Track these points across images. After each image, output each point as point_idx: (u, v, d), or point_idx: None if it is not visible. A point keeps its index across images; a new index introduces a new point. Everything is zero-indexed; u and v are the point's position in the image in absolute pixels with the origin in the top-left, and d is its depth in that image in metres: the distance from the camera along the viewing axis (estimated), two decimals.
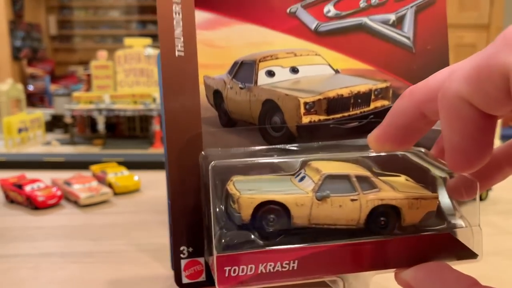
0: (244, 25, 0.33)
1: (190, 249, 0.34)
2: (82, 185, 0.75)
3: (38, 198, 0.70)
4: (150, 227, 0.64)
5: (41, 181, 0.75)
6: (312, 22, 0.33)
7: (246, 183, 0.31)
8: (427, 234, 0.30)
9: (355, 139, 0.32)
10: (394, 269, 0.30)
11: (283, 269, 0.28)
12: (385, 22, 0.34)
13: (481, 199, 0.75)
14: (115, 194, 0.78)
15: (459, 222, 0.31)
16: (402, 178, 0.33)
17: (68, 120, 1.23)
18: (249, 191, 0.30)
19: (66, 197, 0.75)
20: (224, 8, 0.33)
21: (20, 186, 0.73)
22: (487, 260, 0.55)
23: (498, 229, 0.63)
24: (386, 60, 0.34)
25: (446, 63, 0.35)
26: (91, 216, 0.69)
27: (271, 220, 0.30)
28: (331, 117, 0.35)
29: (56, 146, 1.21)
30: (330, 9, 0.33)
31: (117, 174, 0.81)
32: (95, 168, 0.85)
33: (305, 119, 0.34)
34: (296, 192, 0.30)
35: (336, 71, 0.35)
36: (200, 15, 0.33)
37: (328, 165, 0.31)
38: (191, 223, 0.32)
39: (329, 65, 0.35)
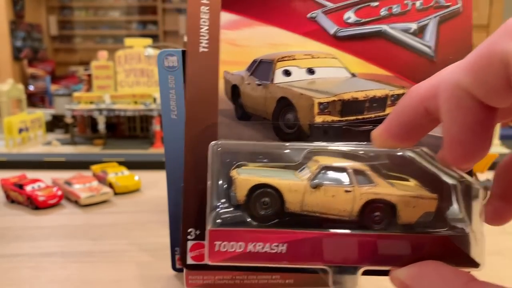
0: (265, 27, 0.35)
1: (198, 232, 0.35)
2: (82, 185, 0.76)
3: (39, 198, 0.71)
4: (151, 227, 0.64)
5: (42, 181, 0.75)
6: (331, 27, 0.34)
7: (249, 169, 0.32)
8: (423, 235, 0.30)
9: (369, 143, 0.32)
10: (384, 267, 0.30)
11: (272, 251, 0.29)
12: (406, 30, 0.34)
13: None
14: (116, 194, 0.78)
15: (461, 227, 0.31)
16: (411, 183, 0.32)
17: (68, 120, 1.23)
18: (247, 174, 0.31)
19: (67, 197, 0.75)
20: (247, 11, 0.35)
21: (20, 186, 0.73)
22: (487, 260, 0.55)
23: (497, 228, 0.63)
24: (405, 67, 0.35)
25: None
26: (91, 216, 0.69)
27: (265, 203, 0.31)
28: (344, 118, 0.35)
29: (56, 146, 1.21)
30: (350, 15, 0.34)
31: (118, 174, 0.82)
32: (95, 168, 0.85)
33: (318, 119, 0.35)
34: (291, 179, 0.31)
35: (353, 75, 0.36)
36: (226, 16, 0.35)
37: (330, 159, 0.32)
38: (201, 207, 0.33)
39: (346, 68, 0.36)
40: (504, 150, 1.13)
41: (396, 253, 0.29)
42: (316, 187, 0.30)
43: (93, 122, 1.31)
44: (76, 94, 1.26)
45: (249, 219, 0.30)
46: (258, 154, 0.32)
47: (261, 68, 0.36)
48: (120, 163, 0.90)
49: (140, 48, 1.29)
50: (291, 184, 0.31)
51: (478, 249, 0.30)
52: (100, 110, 1.23)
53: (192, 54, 0.35)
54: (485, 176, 0.76)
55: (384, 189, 0.31)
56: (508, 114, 0.27)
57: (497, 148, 1.17)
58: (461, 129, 0.24)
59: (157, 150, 1.16)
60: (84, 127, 1.31)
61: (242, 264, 0.29)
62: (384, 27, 0.35)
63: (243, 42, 0.35)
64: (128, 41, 1.30)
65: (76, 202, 0.73)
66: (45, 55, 3.33)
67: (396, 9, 0.35)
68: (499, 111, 0.24)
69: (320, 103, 0.35)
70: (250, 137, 0.35)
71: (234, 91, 0.36)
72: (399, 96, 0.35)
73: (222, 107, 0.35)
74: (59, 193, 0.73)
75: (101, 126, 1.24)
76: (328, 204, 0.30)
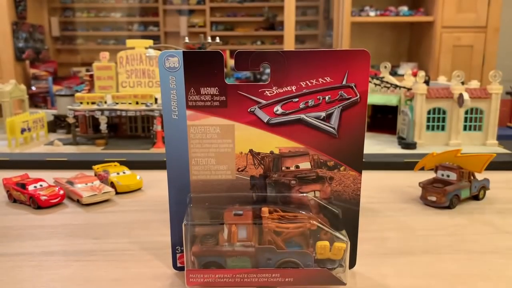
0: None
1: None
2: (84, 184, 0.76)
3: (41, 197, 0.71)
4: (152, 226, 0.64)
5: (44, 181, 0.76)
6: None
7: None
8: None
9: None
10: None
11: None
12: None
13: (478, 198, 0.76)
14: (117, 193, 0.79)
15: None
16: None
17: (70, 120, 1.24)
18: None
19: (69, 196, 0.76)
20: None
21: (23, 186, 0.74)
22: (484, 259, 0.55)
23: (495, 228, 0.64)
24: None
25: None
26: (93, 215, 0.69)
27: None
28: None
29: (58, 146, 1.21)
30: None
31: (119, 174, 0.82)
32: (97, 167, 0.85)
33: None
34: None
35: None
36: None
37: None
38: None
39: None
40: (502, 150, 1.13)
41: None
42: None
43: (95, 122, 1.32)
44: (78, 94, 1.27)
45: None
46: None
47: None
48: (122, 163, 0.90)
49: (141, 49, 1.30)
50: None
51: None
52: (102, 111, 1.24)
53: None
54: (483, 176, 0.76)
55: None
56: None
57: (494, 148, 1.18)
58: None
59: (158, 150, 1.16)
60: (86, 127, 1.32)
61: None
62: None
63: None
64: (129, 42, 1.31)
65: (78, 201, 0.74)
66: (47, 56, 3.33)
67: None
68: None
69: None
70: None
71: None
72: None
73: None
74: (61, 192, 0.74)
75: (103, 126, 1.25)
76: None
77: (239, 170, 0.48)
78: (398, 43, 3.06)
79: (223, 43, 3.89)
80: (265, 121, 0.47)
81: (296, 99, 0.47)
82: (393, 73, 2.43)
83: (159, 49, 1.36)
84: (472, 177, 0.74)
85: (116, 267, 0.52)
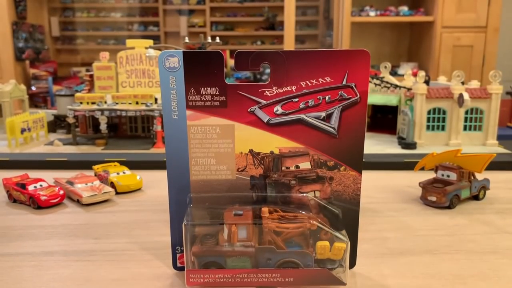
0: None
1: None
2: (84, 184, 0.76)
3: (41, 197, 0.71)
4: (152, 226, 0.64)
5: (44, 181, 0.76)
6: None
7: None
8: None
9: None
10: None
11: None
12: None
13: (478, 198, 0.76)
14: (117, 193, 0.79)
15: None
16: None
17: (70, 120, 1.24)
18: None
19: (69, 196, 0.76)
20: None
21: (23, 186, 0.74)
22: (484, 259, 0.55)
23: (495, 228, 0.64)
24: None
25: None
26: (93, 215, 0.69)
27: None
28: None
29: (58, 146, 1.21)
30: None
31: (119, 174, 0.82)
32: (97, 167, 0.85)
33: None
34: None
35: None
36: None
37: None
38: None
39: None
40: (502, 150, 1.13)
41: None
42: None
43: (95, 122, 1.32)
44: (78, 94, 1.27)
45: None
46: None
47: None
48: (122, 163, 0.90)
49: (141, 49, 1.30)
50: None
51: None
52: (102, 111, 1.24)
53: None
54: (483, 176, 0.76)
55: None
56: None
57: (494, 148, 1.18)
58: None
59: (158, 150, 1.16)
60: (86, 127, 1.32)
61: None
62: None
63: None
64: (129, 42, 1.31)
65: (78, 201, 0.74)
66: (47, 56, 3.33)
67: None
68: None
69: None
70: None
71: None
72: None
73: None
74: (61, 192, 0.74)
75: (103, 126, 1.25)
76: None
77: (239, 170, 0.48)
78: (398, 43, 3.07)
79: (223, 43, 3.89)
80: (265, 121, 0.47)
81: (296, 99, 0.47)
82: (393, 73, 2.43)
83: (159, 49, 1.36)
84: (472, 177, 0.74)
85: (116, 267, 0.52)
